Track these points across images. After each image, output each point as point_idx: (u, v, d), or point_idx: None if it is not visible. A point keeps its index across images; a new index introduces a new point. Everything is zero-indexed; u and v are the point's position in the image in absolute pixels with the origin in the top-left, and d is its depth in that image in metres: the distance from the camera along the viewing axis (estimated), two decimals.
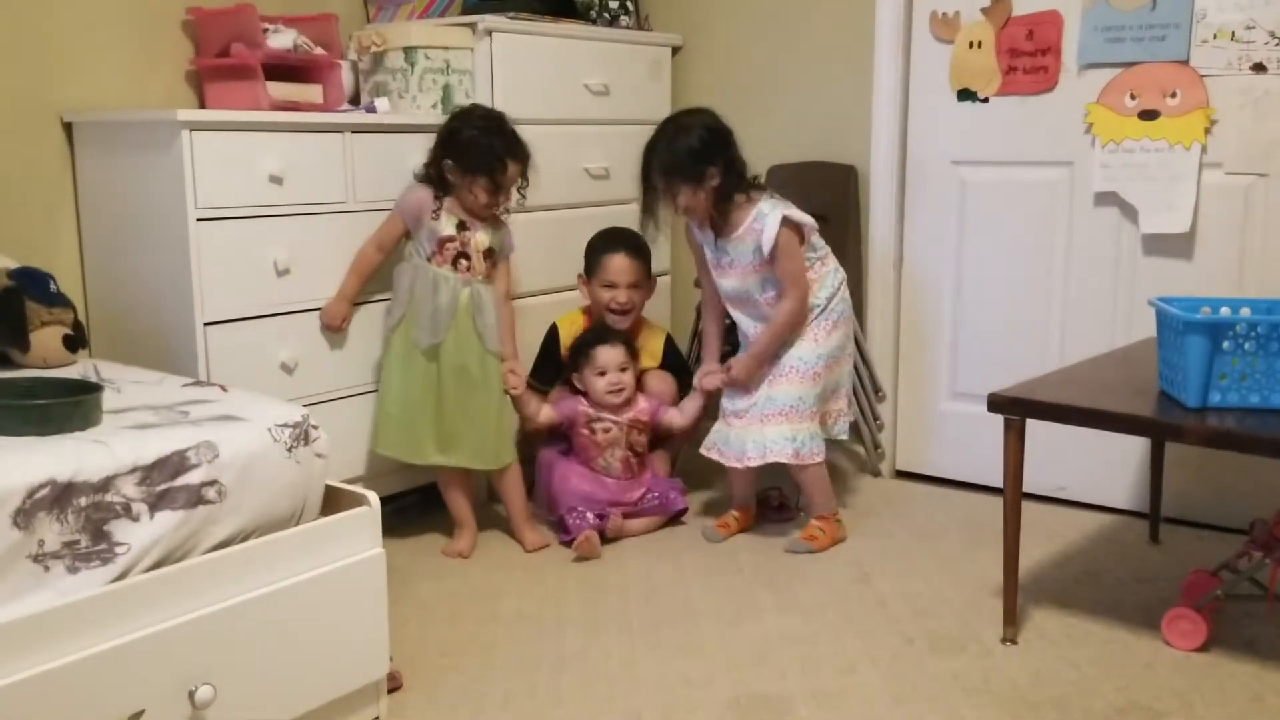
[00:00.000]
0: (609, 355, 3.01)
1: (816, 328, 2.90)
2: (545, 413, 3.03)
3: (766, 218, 2.81)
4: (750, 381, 2.91)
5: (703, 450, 3.02)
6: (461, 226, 2.79)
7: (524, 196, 2.89)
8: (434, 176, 2.82)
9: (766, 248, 2.81)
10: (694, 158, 2.78)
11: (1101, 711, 2.12)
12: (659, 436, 3.18)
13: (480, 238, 2.82)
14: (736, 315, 2.98)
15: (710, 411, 3.11)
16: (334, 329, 2.79)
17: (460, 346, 2.80)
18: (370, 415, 2.90)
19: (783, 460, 2.86)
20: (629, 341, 3.08)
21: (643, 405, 3.07)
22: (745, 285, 2.89)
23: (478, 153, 2.76)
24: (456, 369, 2.80)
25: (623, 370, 3.01)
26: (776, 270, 2.84)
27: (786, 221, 2.81)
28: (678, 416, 3.10)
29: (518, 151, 2.82)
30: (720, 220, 2.87)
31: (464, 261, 2.79)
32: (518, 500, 2.95)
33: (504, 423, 2.90)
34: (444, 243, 2.78)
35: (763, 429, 2.87)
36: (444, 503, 2.95)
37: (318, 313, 2.77)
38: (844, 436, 3.05)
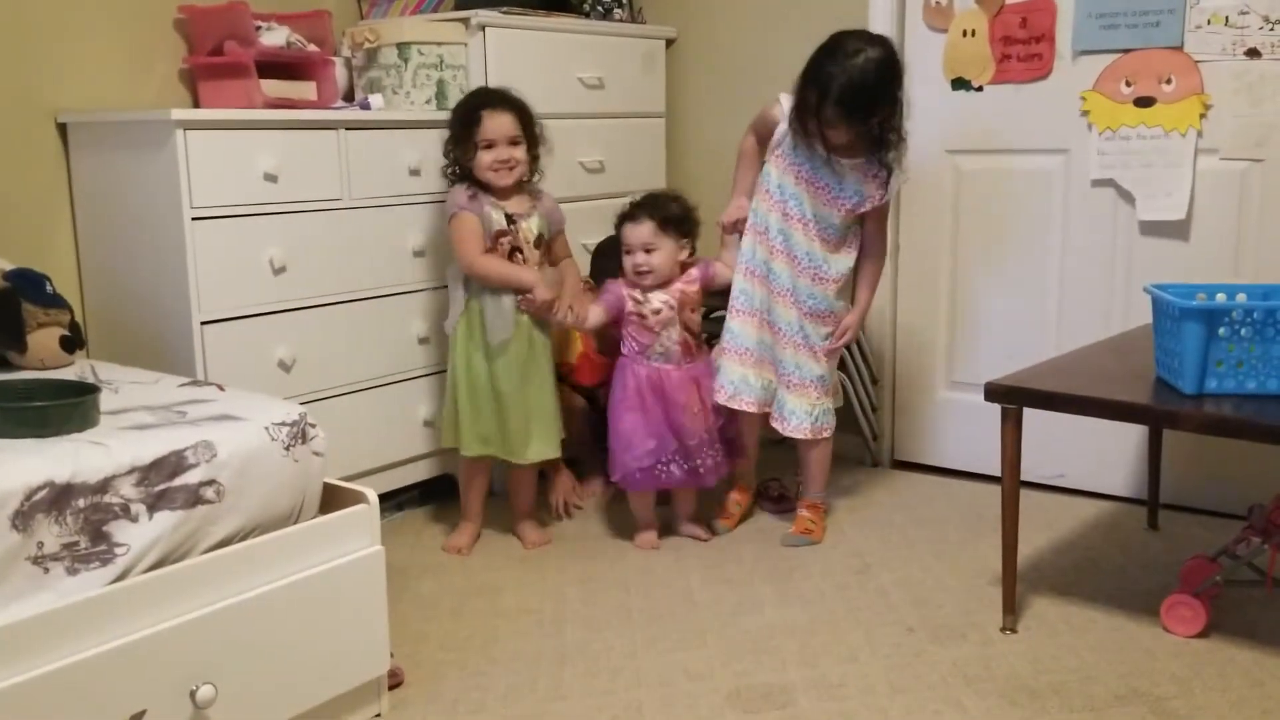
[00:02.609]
0: (632, 233, 2.80)
1: (832, 314, 2.85)
2: (594, 313, 2.81)
3: (899, 173, 2.79)
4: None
5: (736, 403, 2.84)
6: (510, 219, 2.76)
7: (538, 162, 2.84)
8: (454, 170, 2.80)
9: (880, 200, 2.77)
10: (891, 91, 2.66)
11: (1102, 698, 2.12)
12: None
13: (528, 227, 2.78)
14: (780, 228, 2.80)
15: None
16: (544, 308, 2.76)
17: (523, 338, 2.78)
18: (370, 413, 2.91)
19: (800, 435, 2.84)
20: (675, 217, 2.82)
21: (693, 274, 2.86)
22: (821, 210, 2.77)
23: (460, 115, 2.77)
24: (522, 361, 2.79)
25: (648, 251, 2.78)
26: (872, 223, 2.83)
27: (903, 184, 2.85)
28: (724, 270, 2.88)
29: (496, 100, 2.77)
30: (846, 146, 2.72)
31: (519, 255, 2.77)
32: (526, 496, 2.95)
33: (558, 411, 2.90)
34: (498, 236, 2.75)
35: (786, 395, 2.85)
36: (447, 497, 2.94)
37: (315, 311, 2.77)
38: (839, 402, 3.06)
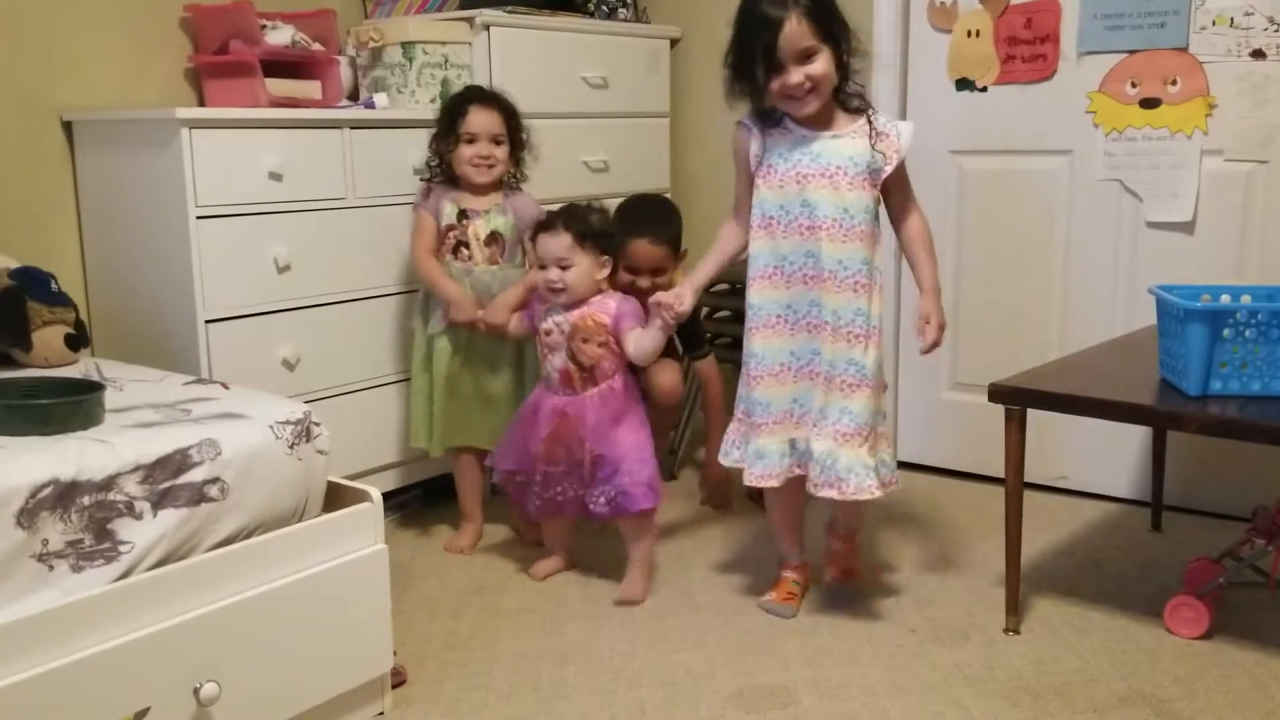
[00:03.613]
0: (545, 246, 2.53)
1: (879, 331, 2.36)
2: (514, 321, 2.69)
3: (895, 123, 2.35)
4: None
5: (767, 481, 2.38)
6: (463, 215, 2.77)
7: (521, 165, 2.85)
8: (435, 164, 2.81)
9: (897, 159, 2.31)
10: (836, 14, 2.25)
11: (1105, 700, 2.12)
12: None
13: (481, 223, 2.77)
14: (805, 248, 2.31)
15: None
16: (485, 325, 2.72)
17: (463, 334, 2.78)
18: (374, 411, 2.91)
19: (867, 496, 2.32)
20: (596, 231, 2.55)
21: (609, 305, 2.56)
22: (836, 198, 2.28)
23: (448, 108, 2.79)
24: (464, 355, 2.79)
25: (564, 268, 2.52)
26: (898, 188, 2.36)
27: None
28: (630, 344, 2.53)
29: (484, 98, 2.79)
30: (816, 111, 2.28)
31: (464, 250, 2.77)
32: None
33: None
34: (446, 231, 2.77)
35: (837, 450, 2.33)
36: (451, 496, 2.95)
37: (319, 310, 2.77)
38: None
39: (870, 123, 2.32)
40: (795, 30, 2.18)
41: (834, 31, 2.24)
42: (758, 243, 2.36)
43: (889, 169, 2.32)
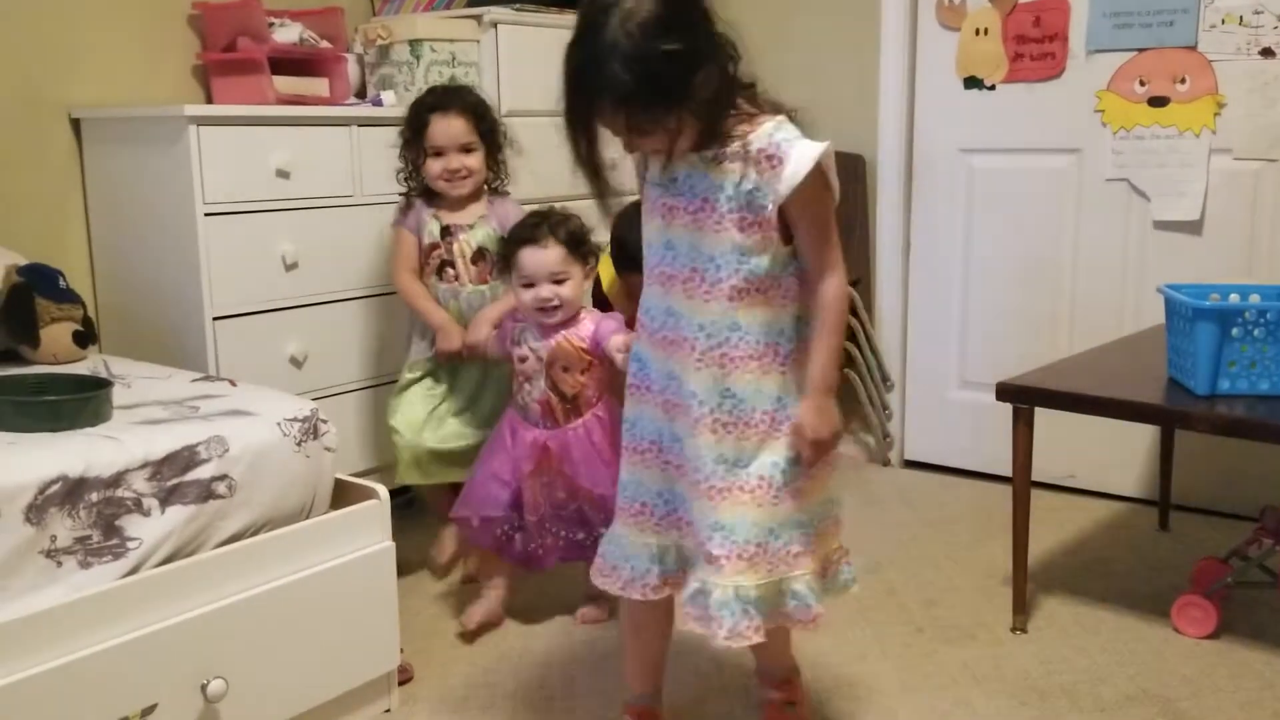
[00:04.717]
0: (536, 260, 2.24)
1: (779, 420, 1.71)
2: (492, 342, 2.44)
3: (793, 142, 1.63)
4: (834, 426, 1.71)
5: (633, 591, 1.83)
6: (446, 232, 2.58)
7: (503, 166, 2.63)
8: (408, 175, 2.63)
9: (786, 186, 1.61)
10: (673, 72, 1.65)
11: (1112, 699, 2.12)
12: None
13: (467, 240, 2.56)
14: (655, 302, 1.76)
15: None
16: (467, 348, 2.51)
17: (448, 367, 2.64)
18: (381, 409, 2.91)
19: (743, 640, 1.70)
20: (581, 237, 2.29)
21: (587, 327, 2.30)
22: (697, 242, 1.69)
23: (411, 118, 2.57)
24: (453, 380, 2.66)
25: (558, 282, 2.25)
26: (801, 234, 1.67)
27: (824, 157, 1.63)
28: (617, 350, 2.17)
29: (447, 103, 2.54)
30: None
31: (450, 270, 2.58)
32: None
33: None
34: (429, 251, 2.59)
35: (708, 575, 1.72)
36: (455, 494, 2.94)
37: (326, 307, 2.77)
38: (855, 586, 1.86)
39: (744, 144, 1.65)
40: (619, 113, 1.72)
41: (680, 90, 1.67)
42: (645, 287, 1.81)
43: (771, 205, 1.64)
